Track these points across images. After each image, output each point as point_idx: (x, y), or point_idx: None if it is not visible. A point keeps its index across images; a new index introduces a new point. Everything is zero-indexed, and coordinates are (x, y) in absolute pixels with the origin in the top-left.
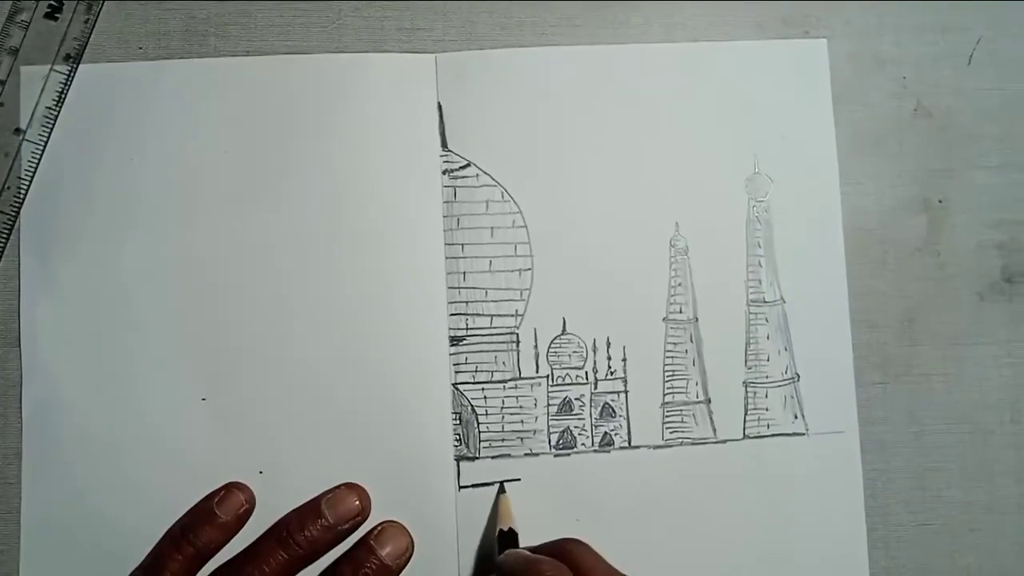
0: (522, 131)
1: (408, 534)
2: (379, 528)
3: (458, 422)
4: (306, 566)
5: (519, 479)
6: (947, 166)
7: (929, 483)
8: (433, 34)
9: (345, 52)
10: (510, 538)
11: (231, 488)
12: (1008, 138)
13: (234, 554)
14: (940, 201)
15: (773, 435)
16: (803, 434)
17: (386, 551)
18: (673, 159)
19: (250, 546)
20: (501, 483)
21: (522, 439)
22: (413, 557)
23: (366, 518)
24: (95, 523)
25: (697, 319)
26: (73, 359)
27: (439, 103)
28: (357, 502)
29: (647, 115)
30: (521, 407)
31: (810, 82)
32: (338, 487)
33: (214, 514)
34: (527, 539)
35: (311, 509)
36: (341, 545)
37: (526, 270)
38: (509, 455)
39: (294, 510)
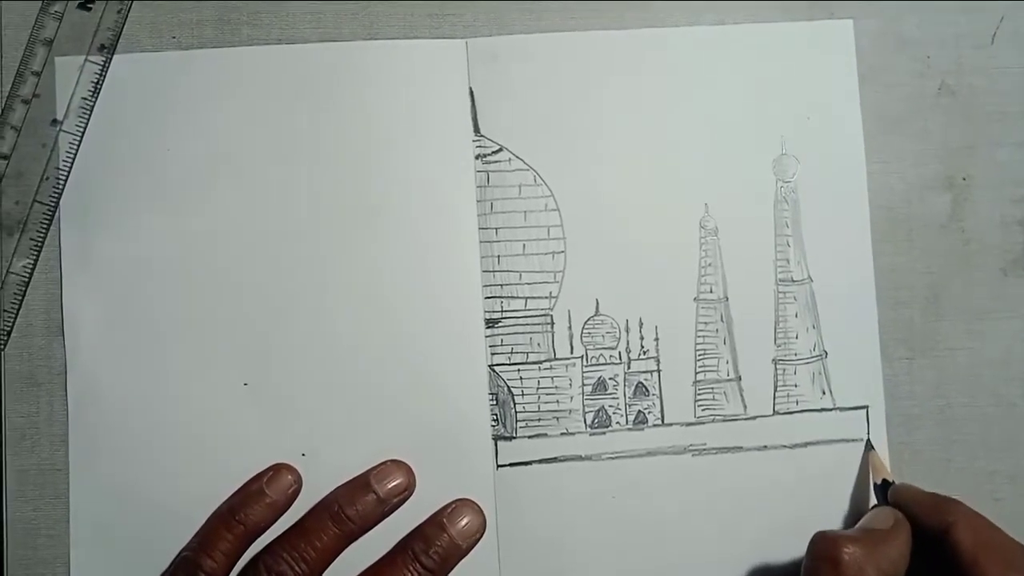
0: (553, 115)
1: (482, 513)
2: (453, 506)
3: (495, 403)
4: (354, 541)
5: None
6: (970, 144)
7: (954, 455)
8: (463, 20)
9: (376, 39)
10: (887, 488)
11: (279, 468)
12: None
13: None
14: (964, 178)
15: (802, 411)
16: (831, 409)
17: (457, 529)
18: (702, 141)
19: (299, 522)
20: (868, 440)
21: (558, 419)
22: None
23: (411, 494)
24: (142, 506)
25: (727, 299)
26: (116, 347)
27: (470, 88)
28: (403, 478)
29: (675, 98)
30: (556, 387)
31: (836, 63)
32: (384, 463)
33: (263, 493)
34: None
35: (360, 484)
36: (412, 521)
37: (559, 253)
38: (546, 434)
39: (342, 485)
